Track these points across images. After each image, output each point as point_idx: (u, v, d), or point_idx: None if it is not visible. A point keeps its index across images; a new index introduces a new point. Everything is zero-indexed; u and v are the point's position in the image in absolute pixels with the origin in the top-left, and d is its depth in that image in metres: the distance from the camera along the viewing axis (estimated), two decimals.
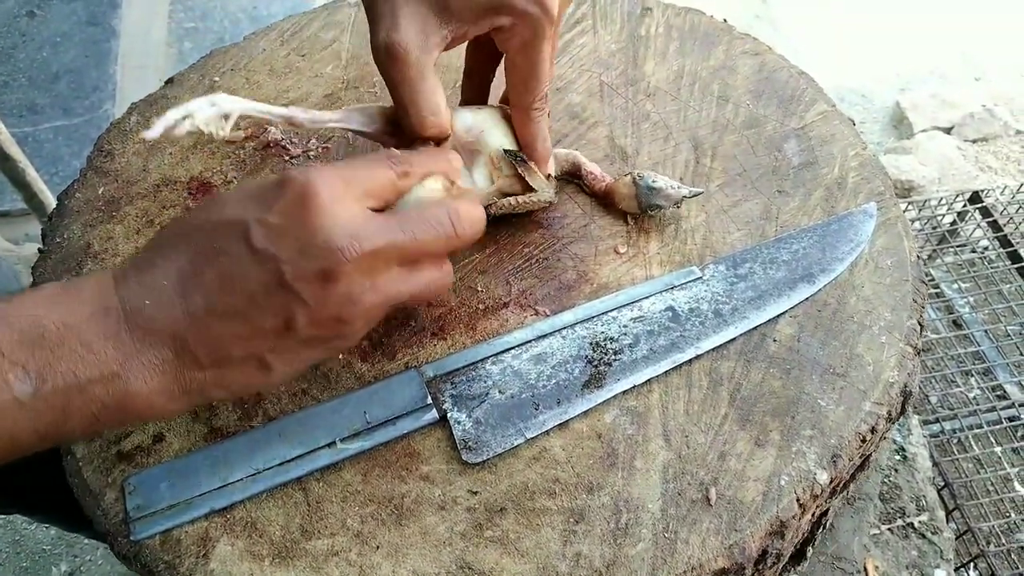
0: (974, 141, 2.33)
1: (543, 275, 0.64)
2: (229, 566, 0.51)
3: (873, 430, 0.56)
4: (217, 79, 0.80)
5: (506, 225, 0.67)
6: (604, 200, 0.68)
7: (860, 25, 2.71)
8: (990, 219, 1.74)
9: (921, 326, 0.61)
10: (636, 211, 0.67)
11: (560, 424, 0.56)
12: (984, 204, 1.75)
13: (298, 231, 0.45)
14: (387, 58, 0.53)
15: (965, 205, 1.78)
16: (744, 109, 0.75)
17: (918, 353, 0.60)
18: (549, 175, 0.65)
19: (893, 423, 0.59)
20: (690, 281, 0.63)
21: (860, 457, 0.57)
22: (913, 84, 2.57)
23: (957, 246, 1.78)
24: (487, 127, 0.61)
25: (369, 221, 0.47)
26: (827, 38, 2.67)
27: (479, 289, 0.64)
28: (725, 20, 0.85)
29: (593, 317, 0.61)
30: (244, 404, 0.58)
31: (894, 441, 1.23)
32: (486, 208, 0.58)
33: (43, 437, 0.44)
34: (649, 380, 0.58)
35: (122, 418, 0.46)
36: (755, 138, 0.73)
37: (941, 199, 1.79)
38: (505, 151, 0.60)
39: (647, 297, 0.62)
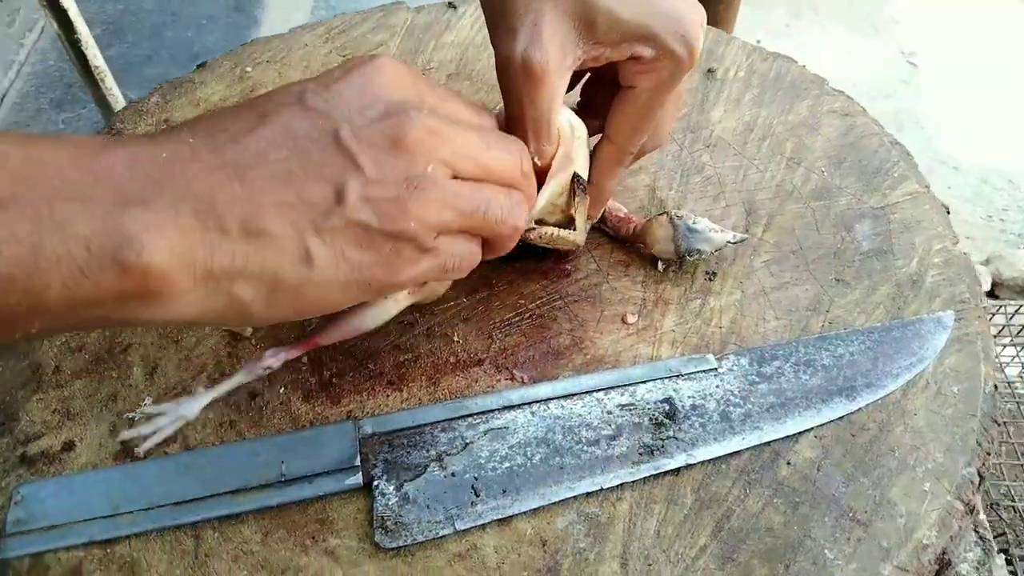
0: None
1: (532, 335, 0.55)
2: None
3: None
4: (249, 69, 0.75)
5: (505, 270, 0.58)
6: (633, 243, 0.59)
7: (1017, 103, 2.47)
8: None
9: (982, 478, 0.48)
10: (672, 257, 0.57)
11: (501, 519, 0.46)
12: None
13: (359, 94, 0.40)
14: (523, 75, 0.47)
15: None
16: (817, 176, 0.64)
17: (971, 511, 0.47)
18: (591, 217, 0.57)
19: None
20: (701, 371, 0.52)
21: None
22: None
23: None
24: (582, 142, 0.53)
25: (444, 118, 0.42)
26: (978, 113, 2.44)
27: (455, 339, 0.55)
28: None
29: (574, 395, 0.51)
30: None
31: None
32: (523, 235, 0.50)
33: (5, 291, 0.34)
34: (622, 485, 0.48)
35: (122, 285, 0.36)
36: (823, 212, 0.62)
37: None
38: (576, 176, 0.51)
39: (644, 382, 0.52)
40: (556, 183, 0.50)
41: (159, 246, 0.36)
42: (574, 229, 0.53)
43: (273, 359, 0.49)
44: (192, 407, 0.49)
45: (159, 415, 0.50)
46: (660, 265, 0.58)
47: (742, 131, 0.68)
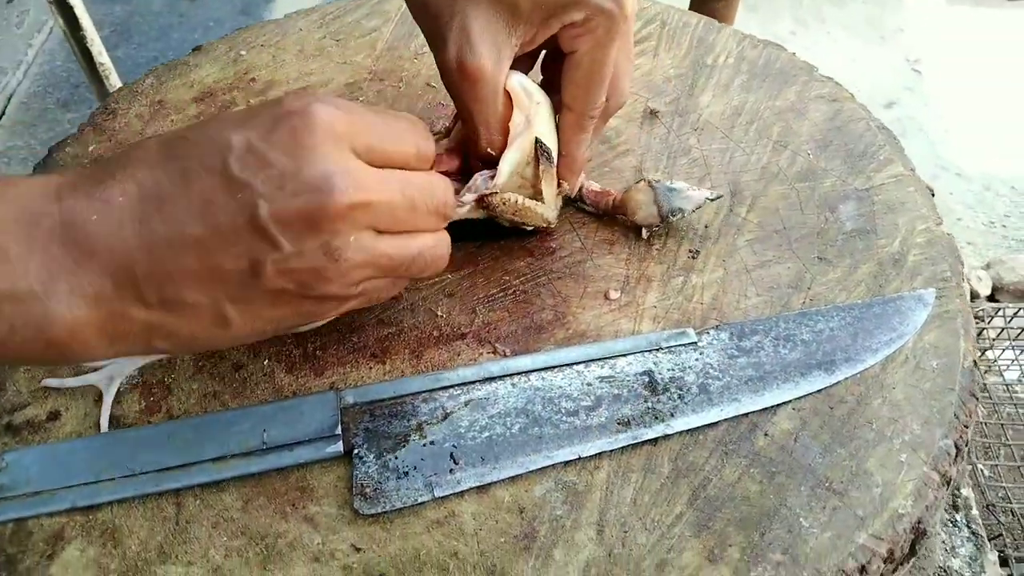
0: None
1: (515, 310, 0.55)
2: (71, 574, 0.45)
3: (863, 570, 0.44)
4: (244, 53, 0.76)
5: (491, 248, 0.59)
6: (615, 214, 0.60)
7: (1020, 110, 2.46)
8: None
9: (958, 450, 0.48)
10: (656, 221, 0.58)
11: (479, 487, 0.47)
12: None
13: (284, 161, 0.39)
14: (461, 80, 0.49)
15: None
16: (803, 159, 0.64)
17: (947, 483, 0.47)
18: (560, 192, 0.57)
19: (896, 567, 0.46)
20: (681, 345, 0.52)
21: None
22: None
23: None
24: (543, 107, 0.53)
25: (367, 171, 0.42)
26: (982, 120, 2.44)
27: (439, 314, 0.55)
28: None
29: (554, 367, 0.51)
30: (151, 397, 0.52)
31: None
32: (485, 197, 0.52)
33: None
34: (600, 454, 0.48)
35: (43, 349, 0.39)
36: (807, 193, 0.62)
37: None
38: (538, 140, 0.52)
39: (624, 355, 0.52)
40: (517, 149, 0.51)
41: (81, 323, 0.39)
42: (542, 201, 0.54)
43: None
44: (125, 365, 0.52)
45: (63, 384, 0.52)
46: (644, 233, 0.58)
47: (730, 115, 0.68)
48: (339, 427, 0.49)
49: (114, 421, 0.51)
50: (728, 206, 0.61)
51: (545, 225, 0.57)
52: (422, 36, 0.76)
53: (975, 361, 0.52)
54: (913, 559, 0.46)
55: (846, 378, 0.51)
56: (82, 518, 0.47)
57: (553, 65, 0.57)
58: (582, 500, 0.46)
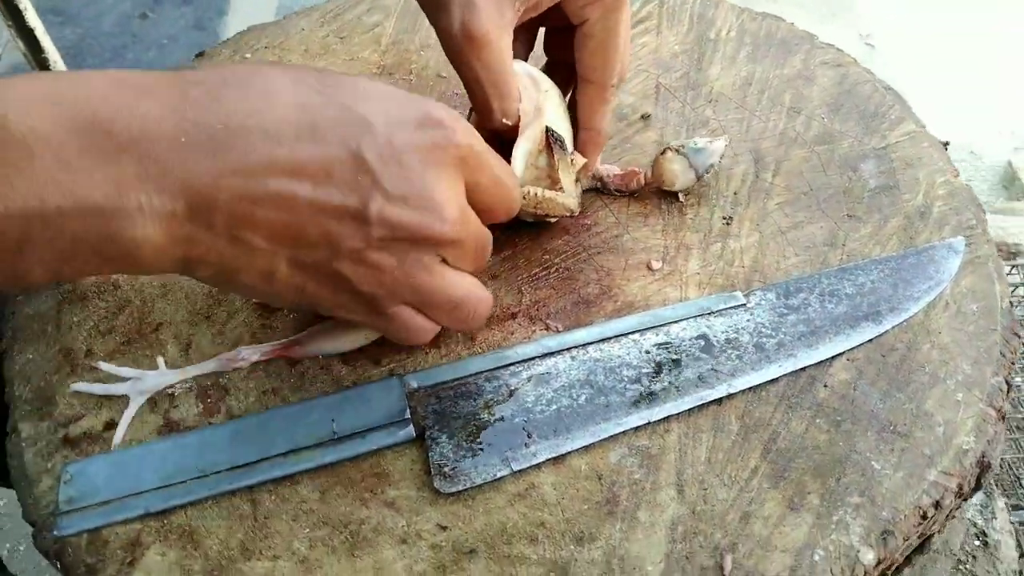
0: None
1: (561, 287, 0.56)
2: None
3: (937, 505, 0.45)
4: (248, 56, 0.75)
5: (528, 228, 0.59)
6: (648, 189, 0.61)
7: (974, 79, 2.53)
8: None
9: (1009, 386, 0.50)
10: (694, 182, 0.60)
11: (555, 458, 0.47)
12: None
13: (415, 171, 0.40)
14: (466, 46, 0.47)
15: None
16: (818, 123, 0.66)
17: (1003, 418, 0.49)
18: (581, 176, 0.57)
19: (965, 500, 0.48)
20: (731, 307, 0.53)
21: (919, 536, 0.47)
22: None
23: None
24: (552, 94, 0.53)
25: (470, 212, 0.44)
26: (937, 90, 2.50)
27: None
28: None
29: (610, 339, 0.52)
30: (208, 398, 0.52)
31: (974, 524, 1.09)
32: None
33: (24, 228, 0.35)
34: (668, 418, 0.49)
35: (100, 264, 0.38)
36: (827, 155, 0.64)
37: None
38: (548, 129, 0.51)
39: (677, 321, 0.53)
40: (528, 139, 0.51)
41: (147, 241, 0.37)
42: (561, 190, 0.53)
43: (244, 360, 0.52)
44: (156, 381, 0.52)
45: (123, 380, 0.52)
46: (682, 196, 0.60)
47: (740, 86, 0.70)
48: (407, 411, 0.49)
49: (173, 426, 0.51)
50: (754, 172, 0.63)
51: (568, 215, 0.56)
52: (426, 29, 0.78)
53: (1011, 301, 0.54)
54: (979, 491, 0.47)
55: (893, 327, 0.52)
56: (156, 523, 0.46)
57: (557, 41, 0.57)
58: (657, 463, 0.47)
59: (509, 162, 0.50)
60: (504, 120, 0.51)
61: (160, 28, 2.71)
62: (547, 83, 0.53)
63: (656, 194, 0.61)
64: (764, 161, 0.63)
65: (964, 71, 2.51)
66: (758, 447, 0.48)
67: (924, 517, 0.45)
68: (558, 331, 0.53)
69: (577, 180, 0.57)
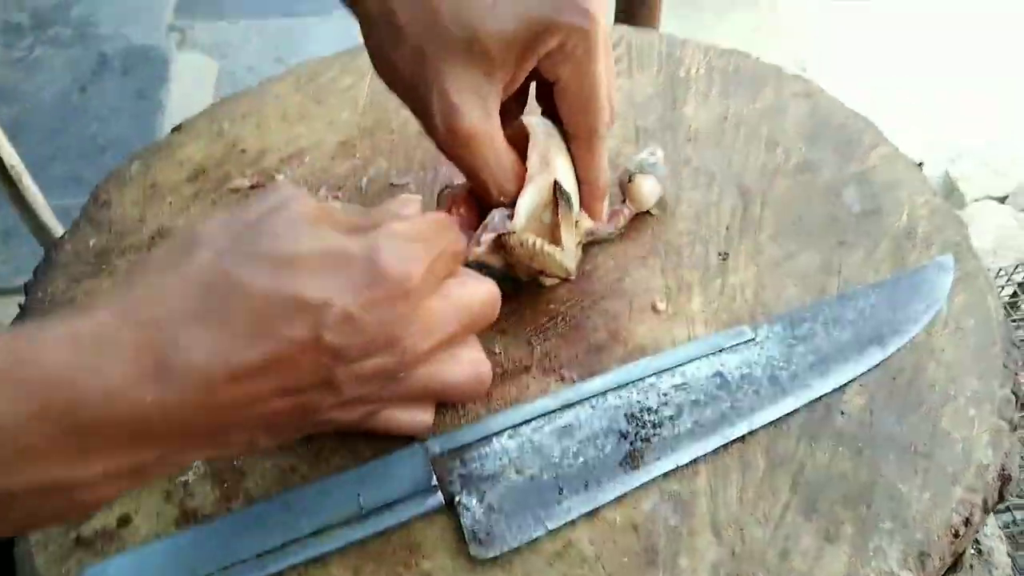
0: None
1: (570, 335, 0.56)
2: None
3: (967, 522, 0.46)
4: (227, 125, 0.75)
5: (528, 281, 0.59)
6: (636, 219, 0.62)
7: (906, 93, 2.62)
8: None
9: (1016, 396, 0.51)
10: (662, 192, 0.62)
11: (588, 512, 0.47)
12: None
13: (381, 332, 0.40)
14: (455, 144, 0.48)
15: None
16: (796, 153, 0.68)
17: (1014, 429, 0.50)
18: (580, 243, 0.57)
19: (988, 514, 0.49)
20: (741, 343, 0.54)
21: (951, 556, 0.47)
22: (963, 153, 2.46)
23: (1018, 320, 1.65)
24: (562, 148, 0.53)
25: (444, 311, 0.44)
26: (871, 106, 2.58)
27: (496, 351, 0.56)
28: None
29: (627, 384, 0.52)
30: (224, 483, 0.51)
31: None
32: (502, 237, 0.50)
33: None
34: (695, 460, 0.49)
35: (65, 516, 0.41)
36: (810, 184, 0.65)
37: (1000, 270, 1.67)
38: (557, 184, 0.51)
39: (691, 361, 0.53)
40: (534, 189, 0.50)
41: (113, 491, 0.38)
42: (561, 248, 0.52)
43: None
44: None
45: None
46: (655, 210, 0.63)
47: (717, 122, 0.71)
48: (433, 478, 0.48)
49: (191, 515, 0.49)
50: (742, 206, 0.64)
51: (564, 276, 0.55)
52: None
53: (1006, 314, 0.55)
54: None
55: (898, 349, 0.54)
56: None
57: (546, 91, 0.57)
58: (690, 507, 0.47)
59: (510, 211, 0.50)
60: (503, 199, 0.51)
61: (101, 100, 2.66)
62: (559, 138, 0.53)
63: (633, 221, 0.62)
64: (750, 194, 0.65)
65: (897, 85, 2.60)
66: (786, 481, 0.48)
67: (956, 535, 0.45)
68: (574, 381, 0.54)
69: (579, 243, 0.56)
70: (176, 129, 0.75)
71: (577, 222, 0.54)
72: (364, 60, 0.80)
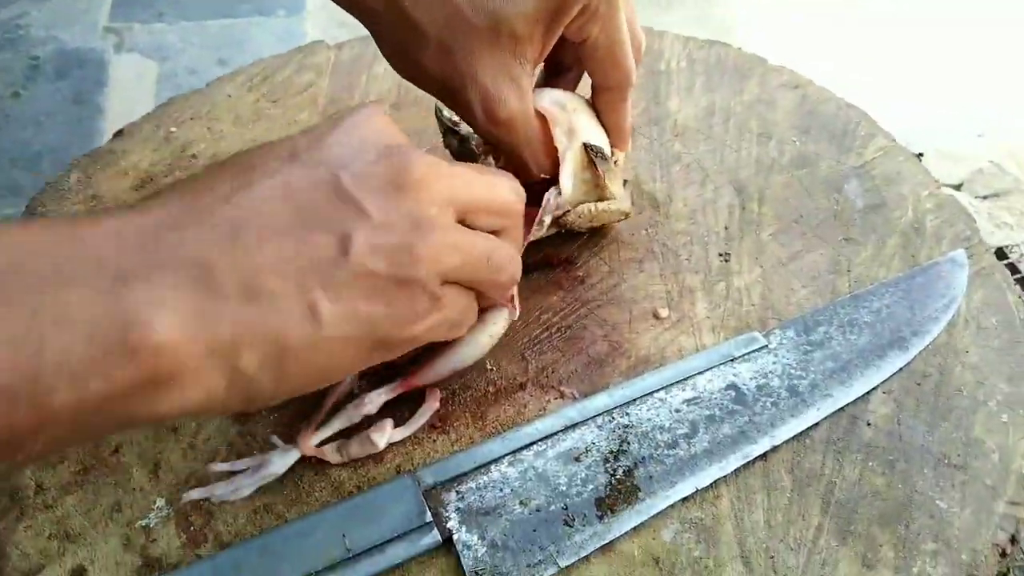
0: (985, 197, 2.24)
1: (567, 348, 0.52)
2: None
3: (1013, 539, 0.42)
4: (174, 129, 0.68)
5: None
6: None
7: (857, 82, 2.64)
8: (1018, 276, 1.63)
9: None
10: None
11: (603, 546, 0.42)
12: (1010, 260, 1.64)
13: (354, 139, 0.38)
14: (497, 131, 0.47)
15: None
16: (791, 147, 0.64)
17: None
18: (626, 180, 0.56)
19: None
20: (753, 351, 0.50)
21: None
22: (916, 141, 2.49)
23: None
24: (580, 111, 0.51)
25: (458, 229, 0.39)
26: None
27: (488, 367, 0.51)
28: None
29: (635, 400, 0.48)
30: (191, 526, 0.45)
31: None
32: (559, 219, 0.51)
33: (8, 408, 0.29)
34: (716, 482, 0.45)
35: (132, 372, 0.31)
36: (808, 179, 0.62)
37: None
38: (586, 145, 0.50)
39: (701, 372, 0.49)
40: (570, 160, 0.50)
41: (164, 322, 0.31)
42: (612, 197, 0.52)
43: (371, 406, 0.46)
44: (282, 462, 0.45)
45: (239, 472, 0.45)
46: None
47: (704, 116, 0.67)
48: (427, 513, 0.43)
49: (154, 564, 0.43)
50: (739, 203, 0.60)
51: (624, 218, 0.55)
52: (364, 84, 0.73)
53: None
54: None
55: (920, 351, 0.50)
56: None
57: (554, 52, 0.54)
58: (715, 535, 0.43)
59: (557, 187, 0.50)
60: (543, 175, 0.50)
61: (35, 105, 2.54)
62: (572, 101, 0.51)
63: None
64: (747, 191, 0.61)
65: (848, 75, 2.61)
66: (816, 501, 0.44)
67: (1003, 554, 0.42)
68: (575, 398, 0.49)
69: (625, 182, 0.56)
70: (118, 134, 0.68)
71: (616, 161, 0.53)
72: (322, 56, 0.74)
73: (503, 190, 0.42)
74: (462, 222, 0.39)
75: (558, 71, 0.55)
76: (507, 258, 0.41)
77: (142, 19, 2.88)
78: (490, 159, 0.54)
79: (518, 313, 0.48)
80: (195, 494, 0.45)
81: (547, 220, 0.50)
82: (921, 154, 0.64)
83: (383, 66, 0.74)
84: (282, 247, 0.34)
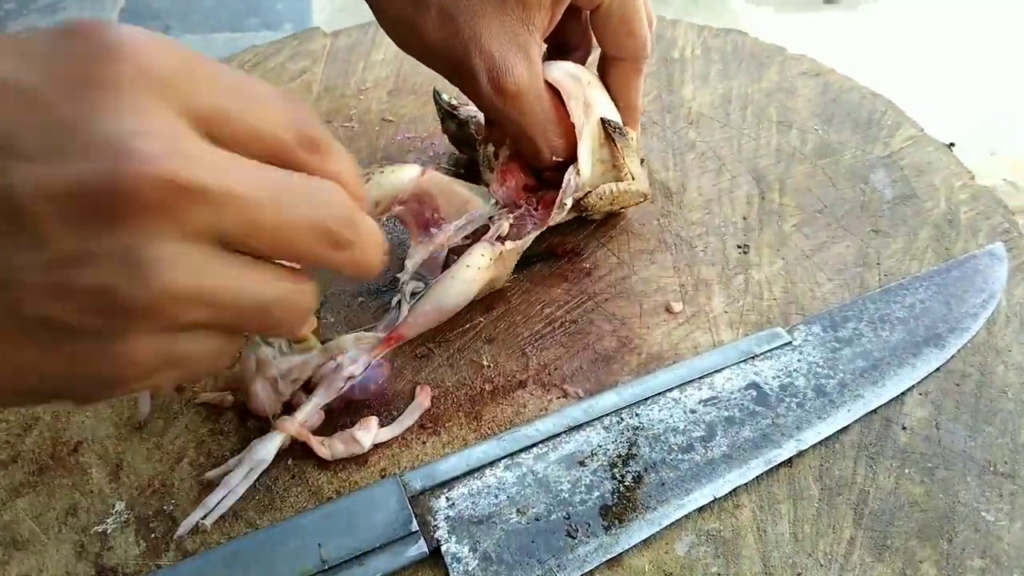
0: None
1: (572, 344, 0.47)
2: None
3: None
4: None
5: (519, 281, 0.50)
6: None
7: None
8: None
9: None
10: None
11: (610, 560, 0.38)
12: None
13: (64, 106, 0.23)
14: (503, 101, 0.44)
15: None
16: (813, 135, 0.60)
17: None
18: (643, 159, 0.52)
19: None
20: (776, 348, 0.46)
21: None
22: None
23: None
24: (594, 84, 0.48)
25: (210, 149, 0.25)
26: None
27: (485, 364, 0.46)
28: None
29: (647, 400, 0.43)
30: (151, 533, 0.40)
31: None
32: (578, 202, 0.47)
33: None
34: (735, 490, 0.40)
35: None
36: (832, 168, 0.57)
37: None
38: (603, 120, 0.47)
39: (719, 370, 0.45)
40: (588, 138, 0.46)
41: None
42: (631, 178, 0.49)
43: (354, 366, 0.41)
44: (267, 448, 0.41)
45: (227, 473, 0.41)
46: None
47: (720, 103, 0.63)
48: (413, 521, 0.38)
49: (109, 574, 0.39)
50: (759, 193, 0.56)
51: (643, 200, 0.51)
52: (360, 71, 0.69)
53: None
54: None
55: (958, 349, 0.46)
56: None
57: (560, 27, 0.51)
58: (735, 548, 0.38)
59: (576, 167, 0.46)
60: (556, 157, 0.47)
61: None
62: (586, 74, 0.48)
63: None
64: (766, 180, 0.57)
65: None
66: (848, 512, 0.39)
67: None
68: (579, 397, 0.45)
69: (642, 160, 0.52)
70: None
71: (632, 140, 0.49)
72: (317, 43, 0.71)
73: (305, 203, 0.27)
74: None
75: (563, 50, 0.51)
76: (289, 315, 0.29)
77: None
78: (490, 147, 0.51)
79: (509, 247, 0.45)
80: (188, 522, 0.40)
81: (568, 203, 0.46)
82: (952, 144, 0.59)
83: (380, 53, 0.70)
84: None
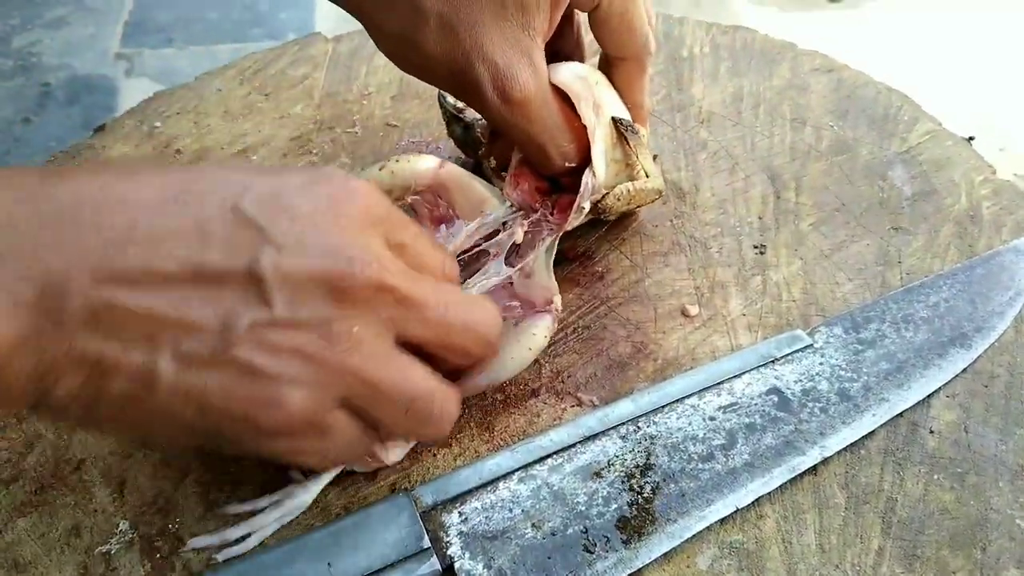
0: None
1: (585, 350, 0.46)
2: None
3: None
4: (159, 124, 0.64)
5: None
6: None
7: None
8: None
9: None
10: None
11: (629, 575, 0.36)
12: None
13: (312, 217, 0.32)
14: (510, 111, 0.43)
15: None
16: (828, 132, 0.59)
17: None
18: (655, 155, 0.52)
19: None
20: (797, 351, 0.44)
21: None
22: None
23: None
24: (602, 83, 0.47)
25: (403, 266, 0.34)
26: None
27: None
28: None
29: (663, 407, 0.42)
30: (156, 553, 0.39)
31: None
32: (596, 204, 0.46)
33: None
34: (758, 500, 0.39)
35: None
36: (849, 165, 0.56)
37: None
38: (615, 119, 0.46)
39: (738, 375, 0.43)
40: (601, 139, 0.45)
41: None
42: (646, 176, 0.47)
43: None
44: (310, 492, 0.40)
45: (259, 512, 0.39)
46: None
47: (731, 102, 0.62)
48: (425, 538, 0.37)
49: None
50: (774, 192, 0.54)
51: (658, 197, 0.50)
52: (364, 76, 0.68)
53: None
54: None
55: (985, 350, 0.44)
56: None
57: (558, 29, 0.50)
58: (759, 561, 0.37)
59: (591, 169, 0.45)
60: (568, 163, 0.46)
61: (46, 131, 2.53)
62: (593, 74, 0.47)
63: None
64: (781, 179, 0.55)
65: None
66: (876, 521, 0.38)
67: None
68: (594, 405, 0.43)
69: (655, 156, 0.53)
70: (99, 129, 0.64)
71: (644, 137, 0.49)
72: (319, 49, 0.70)
73: (464, 317, 0.36)
74: (405, 344, 0.34)
75: (557, 60, 0.50)
76: (438, 412, 0.36)
77: (152, 44, 2.88)
78: (492, 160, 0.50)
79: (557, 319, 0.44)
80: (200, 542, 0.39)
81: (586, 207, 0.45)
82: (972, 138, 0.58)
83: (382, 58, 0.68)
84: (143, 295, 0.29)
